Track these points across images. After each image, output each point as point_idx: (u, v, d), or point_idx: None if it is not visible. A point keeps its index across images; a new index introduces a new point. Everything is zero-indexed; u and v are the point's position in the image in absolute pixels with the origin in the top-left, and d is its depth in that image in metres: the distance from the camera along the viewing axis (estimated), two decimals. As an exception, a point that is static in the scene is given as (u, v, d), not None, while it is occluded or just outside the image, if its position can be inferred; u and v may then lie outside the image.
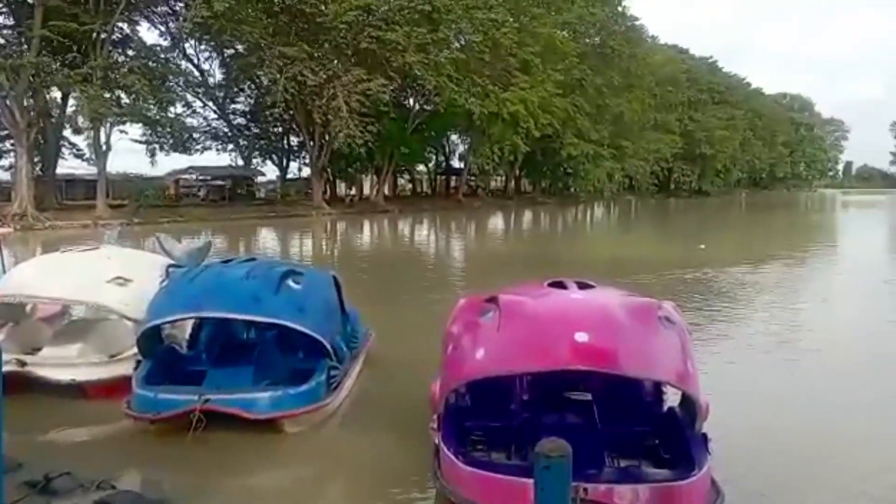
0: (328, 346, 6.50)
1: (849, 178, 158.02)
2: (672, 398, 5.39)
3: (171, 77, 40.91)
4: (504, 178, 66.77)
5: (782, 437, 6.05)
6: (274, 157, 53.09)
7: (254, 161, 51.95)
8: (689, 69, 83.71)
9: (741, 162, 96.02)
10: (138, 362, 6.45)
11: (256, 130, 50.91)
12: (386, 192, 54.16)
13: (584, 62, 56.81)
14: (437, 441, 4.77)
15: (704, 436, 4.69)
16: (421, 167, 62.47)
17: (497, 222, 42.92)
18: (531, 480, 2.99)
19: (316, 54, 39.23)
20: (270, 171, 54.21)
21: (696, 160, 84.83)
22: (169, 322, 6.64)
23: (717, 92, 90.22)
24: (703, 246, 23.49)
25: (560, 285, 5.44)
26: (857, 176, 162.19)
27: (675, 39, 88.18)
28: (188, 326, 7.40)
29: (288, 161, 53.58)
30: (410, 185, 64.86)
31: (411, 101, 50.68)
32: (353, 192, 55.65)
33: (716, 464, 4.53)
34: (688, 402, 4.95)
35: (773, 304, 13.08)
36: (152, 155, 44.13)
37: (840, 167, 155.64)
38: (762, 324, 11.20)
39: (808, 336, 10.49)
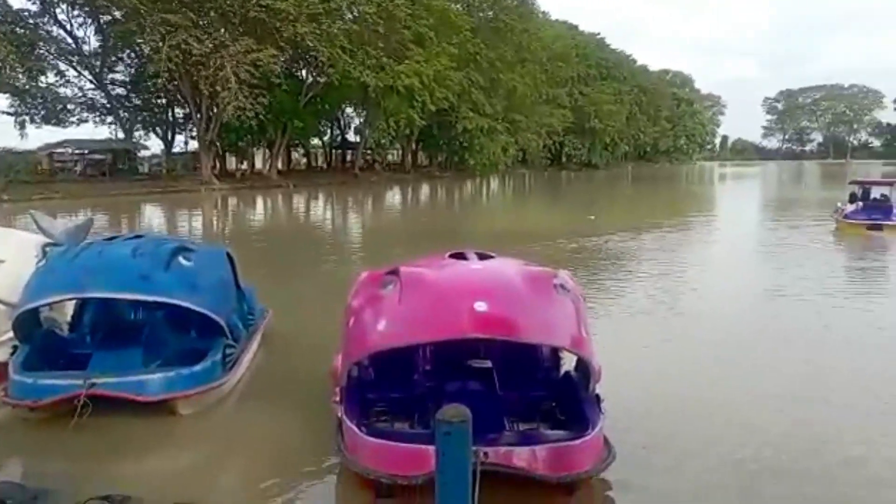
0: (223, 324, 6.31)
1: (725, 151, 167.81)
2: (568, 363, 5.59)
3: (40, 44, 37.96)
4: (401, 151, 66.57)
5: (665, 395, 6.43)
6: (158, 129, 50.52)
7: (136, 134, 49.26)
8: (579, 45, 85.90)
9: (628, 136, 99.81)
10: (15, 347, 6.05)
11: (138, 102, 48.20)
12: (279, 166, 52.80)
13: (478, 36, 57.20)
14: (339, 414, 4.76)
15: (598, 397, 4.92)
16: (315, 141, 61.26)
17: (395, 196, 42.83)
18: (433, 447, 3.03)
19: (201, 22, 37.43)
20: (155, 145, 51.68)
21: (585, 134, 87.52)
22: (48, 304, 6.24)
23: (606, 68, 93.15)
24: (593, 217, 24.37)
25: (461, 256, 5.52)
26: (732, 149, 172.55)
27: (564, 16, 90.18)
28: (69, 308, 6.98)
29: (173, 134, 51.18)
30: (305, 160, 63.51)
31: (304, 72, 49.43)
32: (245, 166, 53.83)
33: (607, 422, 4.75)
34: (582, 365, 5.17)
35: (658, 271, 13.75)
36: (21, 127, 41.16)
37: (717, 141, 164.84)
38: (647, 289, 11.76)
39: (689, 300, 11.11)
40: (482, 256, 5.61)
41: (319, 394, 5.62)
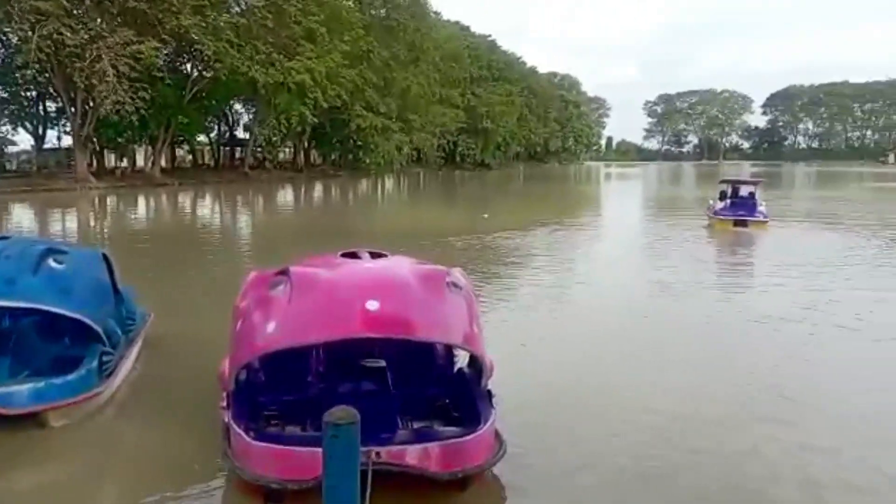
0: (99, 330, 5.95)
1: (610, 152, 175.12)
2: (463, 359, 5.65)
3: None
4: (293, 149, 65.24)
5: (555, 385, 6.62)
6: (27, 124, 47.06)
7: (2, 129, 45.81)
8: (471, 46, 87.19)
9: (519, 136, 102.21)
10: None
11: (5, 94, 44.77)
12: (163, 164, 50.40)
13: (371, 34, 56.85)
14: (226, 419, 4.60)
15: (489, 392, 4.99)
16: (202, 137, 58.98)
17: (287, 195, 41.93)
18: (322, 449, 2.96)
19: (75, 11, 35.15)
20: (24, 141, 48.19)
21: (478, 134, 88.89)
22: None
23: (497, 69, 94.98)
24: (486, 215, 24.78)
25: (354, 256, 5.47)
26: (617, 150, 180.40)
27: (456, 17, 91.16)
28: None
29: (45, 129, 47.75)
30: (191, 157, 61.01)
31: (189, 66, 47.47)
32: (125, 164, 51.10)
33: (498, 415, 4.82)
34: (474, 361, 5.23)
35: (550, 266, 14.16)
36: None
37: (603, 142, 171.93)
38: (539, 284, 12.09)
39: (579, 294, 11.52)
40: (375, 255, 5.58)
41: (206, 400, 5.41)
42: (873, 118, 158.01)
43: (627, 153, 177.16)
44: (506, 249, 16.42)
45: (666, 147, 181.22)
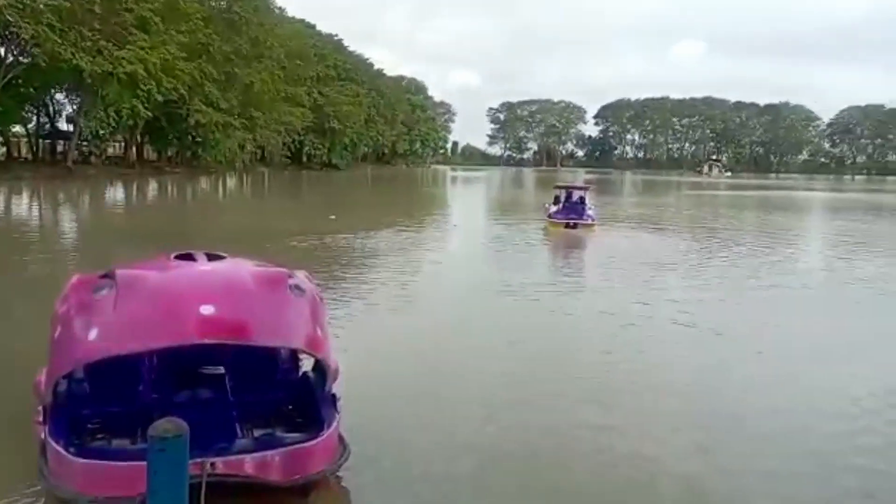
0: None
1: (456, 156, 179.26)
2: (308, 364, 5.54)
3: None
4: (124, 144, 60.92)
5: (400, 383, 6.69)
6: None
7: None
8: (317, 45, 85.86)
9: (367, 138, 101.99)
10: None
11: None
12: (-30, 156, 45.38)
13: (211, 26, 54.39)
14: (42, 435, 4.20)
15: (334, 396, 4.93)
16: (18, 128, 53.64)
17: (116, 193, 39.06)
18: (149, 463, 2.79)
19: None
20: None
21: (326, 134, 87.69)
22: None
23: (344, 69, 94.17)
24: (334, 216, 24.50)
25: (188, 257, 5.19)
26: (462, 154, 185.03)
27: (302, 14, 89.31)
28: None
29: None
30: (5, 149, 55.26)
31: (2, 51, 43.00)
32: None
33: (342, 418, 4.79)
34: (319, 365, 5.15)
35: (397, 268, 14.25)
36: None
37: (449, 146, 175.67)
38: (386, 286, 12.13)
39: (427, 296, 11.66)
40: (212, 257, 5.33)
41: (19, 416, 4.91)
42: (690, 131, 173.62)
43: (472, 157, 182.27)
44: (353, 250, 16.33)
45: (508, 153, 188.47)
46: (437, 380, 6.92)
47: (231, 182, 53.93)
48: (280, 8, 76.96)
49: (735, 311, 10.81)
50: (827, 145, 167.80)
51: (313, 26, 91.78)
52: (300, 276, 5.14)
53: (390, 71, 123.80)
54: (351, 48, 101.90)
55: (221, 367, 5.32)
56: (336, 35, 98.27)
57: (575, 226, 21.63)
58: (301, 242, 17.06)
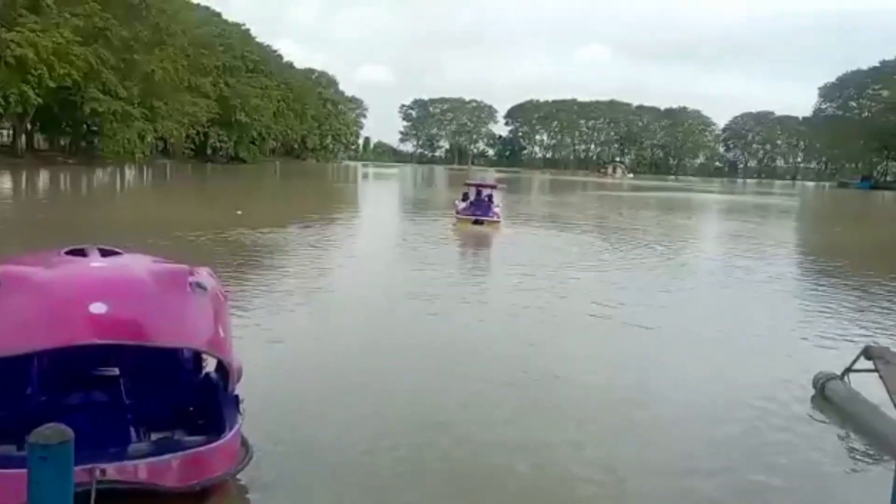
0: None
1: (368, 152, 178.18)
2: (211, 363, 5.34)
3: None
4: (12, 132, 57.14)
5: (307, 383, 6.56)
6: None
7: None
8: (223, 34, 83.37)
9: (276, 131, 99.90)
10: None
11: None
12: None
13: (108, 10, 51.78)
14: None
15: (236, 397, 4.76)
16: None
17: (2, 183, 36.59)
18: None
19: None
20: None
21: (232, 127, 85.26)
22: None
23: (252, 61, 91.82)
24: (240, 211, 23.83)
25: (81, 253, 4.88)
26: (374, 150, 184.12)
27: (207, 2, 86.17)
28: None
29: None
30: None
31: None
32: None
33: (247, 420, 4.65)
34: (221, 366, 4.96)
35: (306, 265, 13.99)
36: None
37: (361, 142, 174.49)
38: (295, 283, 11.88)
39: (338, 287, 11.50)
40: (106, 253, 5.04)
41: None
42: (596, 133, 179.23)
43: (384, 154, 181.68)
44: (259, 246, 15.92)
45: (420, 150, 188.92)
46: (342, 381, 6.81)
47: (129, 174, 51.51)
48: (184, -6, 74.29)
49: (649, 304, 11.18)
50: (722, 150, 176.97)
51: (219, 14, 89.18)
52: (202, 273, 4.94)
53: (300, 64, 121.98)
54: (259, 39, 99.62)
55: (116, 369, 5.05)
56: (244, 25, 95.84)
57: (481, 222, 22.12)
58: (204, 238, 16.49)
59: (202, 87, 73.65)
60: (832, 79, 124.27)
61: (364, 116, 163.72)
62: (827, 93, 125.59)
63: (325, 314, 9.84)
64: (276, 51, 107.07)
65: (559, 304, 10.90)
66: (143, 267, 4.66)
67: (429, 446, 5.31)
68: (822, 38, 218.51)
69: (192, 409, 5.17)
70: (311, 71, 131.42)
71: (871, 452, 5.46)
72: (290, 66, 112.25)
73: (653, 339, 9.02)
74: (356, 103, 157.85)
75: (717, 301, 12.34)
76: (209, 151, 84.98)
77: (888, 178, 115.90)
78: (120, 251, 5.17)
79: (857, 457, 5.54)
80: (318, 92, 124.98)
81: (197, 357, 5.51)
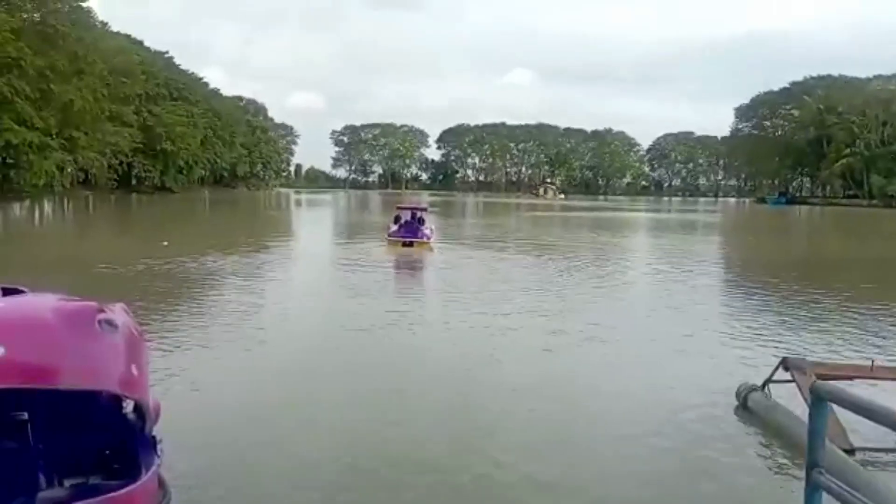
0: None
1: (300, 179, 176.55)
2: (130, 404, 5.09)
3: None
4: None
5: (229, 418, 6.35)
6: None
7: None
8: (145, 61, 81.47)
9: (203, 160, 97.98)
10: None
11: None
12: None
13: (22, 40, 50.01)
14: None
15: (154, 438, 4.56)
16: None
17: None
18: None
19: None
20: None
21: (157, 156, 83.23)
22: None
23: (176, 88, 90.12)
24: (166, 242, 23.16)
25: (-20, 294, 4.60)
26: (306, 177, 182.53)
27: (127, 29, 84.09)
28: None
29: None
30: None
31: None
32: None
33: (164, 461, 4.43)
34: (137, 406, 4.75)
35: (232, 295, 13.63)
36: None
37: (292, 168, 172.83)
38: (224, 316, 11.53)
39: (271, 325, 11.17)
40: (8, 291, 4.76)
41: None
42: (526, 156, 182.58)
43: (317, 180, 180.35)
44: (185, 279, 15.45)
45: (353, 176, 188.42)
46: (263, 416, 6.62)
47: (48, 207, 49.48)
48: (102, 22, 72.54)
49: (588, 319, 11.33)
50: (647, 169, 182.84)
51: (140, 42, 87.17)
52: (115, 310, 4.71)
53: (227, 91, 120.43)
54: (183, 66, 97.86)
55: (25, 414, 4.76)
56: (166, 52, 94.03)
57: (411, 244, 22.57)
58: (126, 271, 15.93)
59: (124, 116, 71.72)
60: (747, 100, 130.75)
61: (295, 143, 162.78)
62: (742, 113, 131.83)
63: (251, 352, 9.53)
64: (201, 78, 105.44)
65: (500, 322, 10.92)
66: (46, 305, 4.40)
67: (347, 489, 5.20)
68: (736, 61, 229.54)
69: (108, 452, 4.92)
70: (239, 98, 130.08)
71: (789, 459, 5.62)
72: (216, 93, 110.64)
73: (602, 352, 9.14)
74: (286, 130, 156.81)
75: (652, 311, 12.66)
76: (134, 182, 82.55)
77: (803, 194, 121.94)
78: (24, 289, 4.90)
79: (776, 464, 5.70)
80: (246, 119, 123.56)
81: (115, 398, 5.25)
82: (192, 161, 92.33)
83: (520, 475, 5.32)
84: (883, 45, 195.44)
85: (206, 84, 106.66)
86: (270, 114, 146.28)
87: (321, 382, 7.73)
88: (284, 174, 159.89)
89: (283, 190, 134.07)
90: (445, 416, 6.62)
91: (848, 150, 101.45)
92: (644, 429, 6.30)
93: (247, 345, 9.41)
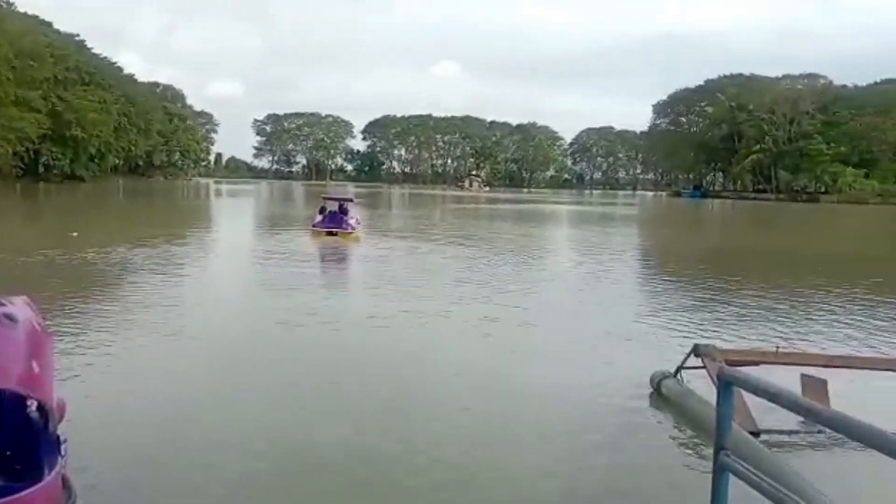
0: None
1: (220, 169, 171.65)
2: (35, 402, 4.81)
3: None
4: None
5: (143, 419, 6.12)
6: None
7: None
8: (54, 44, 77.39)
9: (117, 148, 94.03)
10: None
11: None
12: None
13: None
14: None
15: (58, 438, 4.34)
16: None
17: None
18: None
19: None
20: None
21: (67, 143, 79.36)
22: None
23: (88, 73, 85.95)
24: (76, 233, 22.12)
25: None
26: (227, 167, 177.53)
27: (35, 10, 79.53)
28: None
29: None
30: None
31: None
32: None
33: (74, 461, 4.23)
34: (41, 406, 4.50)
35: (145, 287, 13.12)
36: None
37: (212, 158, 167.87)
38: (132, 309, 11.06)
39: (190, 318, 10.78)
40: None
41: None
42: (452, 148, 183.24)
43: (238, 170, 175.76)
44: (96, 270, 14.78)
45: (276, 166, 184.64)
46: (188, 410, 6.40)
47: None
48: (8, 2, 68.44)
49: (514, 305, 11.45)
50: (569, 163, 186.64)
51: (49, 24, 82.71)
52: (17, 303, 4.44)
53: (143, 77, 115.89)
54: (96, 50, 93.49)
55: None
56: (77, 35, 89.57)
57: (335, 233, 22.73)
58: (29, 262, 15.12)
59: (31, 101, 68.04)
60: (664, 96, 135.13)
61: (215, 132, 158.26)
62: (660, 109, 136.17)
63: (152, 350, 9.18)
64: (115, 63, 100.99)
65: (425, 309, 10.91)
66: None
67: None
68: (656, 58, 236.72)
69: (9, 453, 4.66)
70: (156, 84, 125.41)
71: (700, 443, 5.84)
72: (131, 78, 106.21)
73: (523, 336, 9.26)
74: (206, 118, 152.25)
75: (576, 301, 12.94)
76: (41, 170, 78.47)
77: (716, 188, 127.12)
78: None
79: (687, 448, 5.92)
80: (163, 106, 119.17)
81: (17, 397, 4.97)
82: (104, 149, 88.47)
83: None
84: (791, 46, 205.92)
85: (121, 69, 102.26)
86: (190, 101, 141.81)
87: (230, 384, 7.54)
88: (204, 164, 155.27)
89: (202, 180, 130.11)
90: (376, 412, 6.57)
91: (758, 147, 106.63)
92: (563, 417, 6.44)
93: (150, 342, 9.03)
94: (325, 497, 4.89)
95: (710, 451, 4.94)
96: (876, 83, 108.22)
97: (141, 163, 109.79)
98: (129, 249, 18.23)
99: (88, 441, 4.96)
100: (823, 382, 6.30)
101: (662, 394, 6.79)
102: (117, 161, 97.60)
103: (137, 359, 8.15)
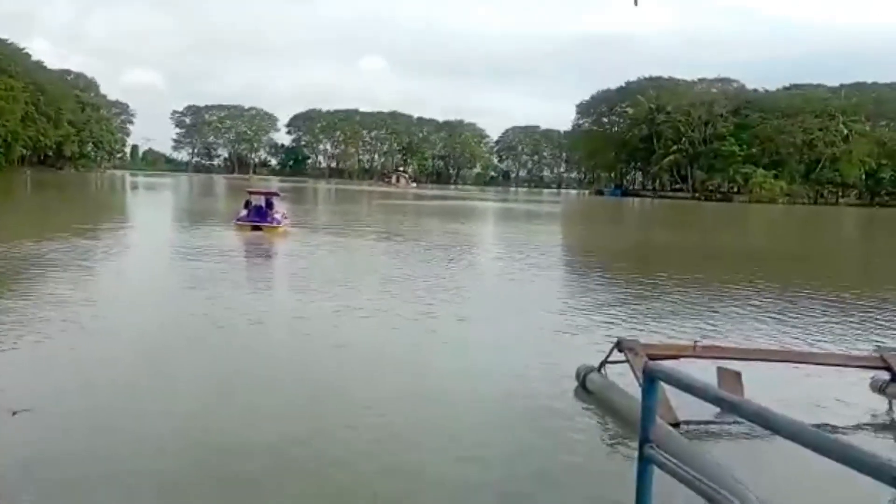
0: None
1: (137, 161, 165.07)
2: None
3: None
4: None
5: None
6: None
7: None
8: (-45, 26, 72.85)
9: (24, 137, 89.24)
10: None
11: None
12: None
13: None
14: None
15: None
16: None
17: None
18: None
19: None
20: None
21: (-32, 132, 74.78)
22: None
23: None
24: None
25: None
26: (144, 159, 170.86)
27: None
28: None
29: None
30: None
31: None
32: None
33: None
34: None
35: (64, 285, 12.49)
36: None
37: (128, 150, 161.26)
38: (48, 303, 10.51)
39: (109, 315, 10.31)
40: None
41: None
42: (379, 143, 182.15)
43: (155, 163, 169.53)
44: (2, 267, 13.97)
45: (197, 159, 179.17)
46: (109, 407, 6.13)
47: None
48: None
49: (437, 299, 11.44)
50: (496, 160, 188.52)
51: (-51, 4, 77.66)
52: None
53: (53, 64, 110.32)
54: (2, 35, 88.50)
55: None
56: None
57: (260, 228, 22.56)
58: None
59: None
60: (587, 97, 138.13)
61: (131, 122, 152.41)
62: (583, 109, 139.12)
63: (57, 350, 8.76)
64: (23, 49, 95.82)
65: (353, 304, 10.79)
66: None
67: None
68: (581, 59, 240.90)
69: None
70: (67, 72, 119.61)
71: (623, 435, 6.00)
72: (40, 66, 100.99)
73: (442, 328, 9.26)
74: (121, 108, 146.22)
75: (507, 296, 13.10)
76: (-61, 160, 73.68)
77: (636, 186, 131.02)
78: None
79: (609, 440, 6.09)
80: (75, 95, 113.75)
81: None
82: (10, 138, 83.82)
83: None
84: (707, 51, 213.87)
85: (28, 55, 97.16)
86: (105, 91, 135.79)
87: (139, 388, 7.27)
88: (119, 155, 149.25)
89: (117, 172, 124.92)
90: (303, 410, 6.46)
91: (675, 147, 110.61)
92: (487, 410, 6.51)
93: (54, 344, 8.60)
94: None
95: (634, 444, 5.07)
96: (784, 88, 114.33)
97: (51, 153, 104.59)
98: (34, 245, 17.30)
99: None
100: (738, 374, 6.58)
101: (587, 387, 6.93)
102: (25, 151, 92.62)
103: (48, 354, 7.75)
